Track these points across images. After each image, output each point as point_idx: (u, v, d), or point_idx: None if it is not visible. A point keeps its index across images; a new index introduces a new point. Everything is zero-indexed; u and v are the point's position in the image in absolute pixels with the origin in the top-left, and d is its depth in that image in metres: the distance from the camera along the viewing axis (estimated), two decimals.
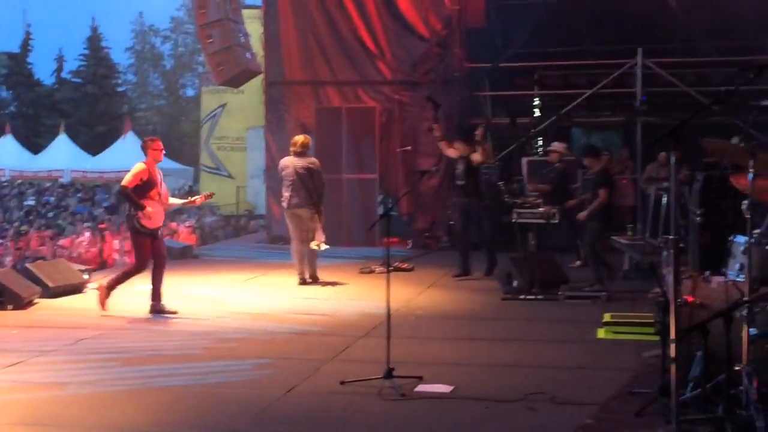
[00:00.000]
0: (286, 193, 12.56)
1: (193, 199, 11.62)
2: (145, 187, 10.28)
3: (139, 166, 10.37)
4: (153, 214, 10.25)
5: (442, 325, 9.93)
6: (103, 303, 10.47)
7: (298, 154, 12.68)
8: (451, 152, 13.44)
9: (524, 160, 17.28)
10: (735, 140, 11.21)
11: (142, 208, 10.16)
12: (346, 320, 10.25)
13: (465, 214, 13.16)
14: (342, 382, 7.26)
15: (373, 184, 17.53)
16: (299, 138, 12.92)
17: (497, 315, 10.55)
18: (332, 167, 16.46)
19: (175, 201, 11.50)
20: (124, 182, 10.34)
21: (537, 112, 19.60)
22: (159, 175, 10.49)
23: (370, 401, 6.90)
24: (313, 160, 12.92)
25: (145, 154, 10.48)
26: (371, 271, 13.52)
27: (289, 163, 12.71)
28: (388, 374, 7.24)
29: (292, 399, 7.11)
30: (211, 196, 12.08)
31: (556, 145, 14.86)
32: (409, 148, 16.02)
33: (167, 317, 10.38)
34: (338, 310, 10.82)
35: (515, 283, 11.59)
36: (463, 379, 7.53)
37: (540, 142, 20.56)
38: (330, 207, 14.55)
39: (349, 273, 13.60)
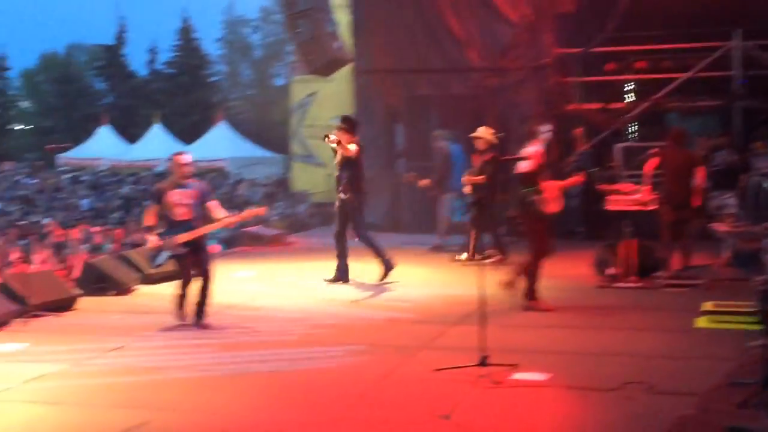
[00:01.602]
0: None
1: (570, 181, 10.86)
2: (539, 171, 9.90)
3: (535, 150, 9.90)
4: (552, 200, 9.92)
5: (535, 313, 9.82)
6: (541, 306, 9.95)
7: None
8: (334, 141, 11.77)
9: (618, 147, 17.00)
10: None
11: (542, 193, 9.80)
12: (438, 308, 10.25)
13: (341, 210, 11.88)
14: (437, 370, 7.26)
15: None
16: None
17: (592, 303, 10.38)
18: (422, 155, 16.43)
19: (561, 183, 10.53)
20: (523, 168, 9.82)
21: (630, 98, 19.25)
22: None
23: (466, 388, 6.88)
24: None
25: (536, 139, 9.99)
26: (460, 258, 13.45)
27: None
28: (483, 362, 7.21)
29: (387, 385, 7.13)
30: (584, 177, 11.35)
31: (482, 131, 13.36)
32: (501, 135, 15.88)
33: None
34: (431, 298, 10.82)
35: (611, 271, 11.42)
36: (558, 367, 7.46)
37: (634, 128, 20.21)
38: (421, 195, 14.60)
39: (440, 260, 13.58)
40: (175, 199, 9.31)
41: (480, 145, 13.26)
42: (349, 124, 11.94)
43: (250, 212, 10.11)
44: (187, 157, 9.54)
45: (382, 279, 11.83)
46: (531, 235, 10.02)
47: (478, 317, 7.50)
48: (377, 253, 11.93)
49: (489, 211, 13.08)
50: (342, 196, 11.71)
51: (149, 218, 9.51)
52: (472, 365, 7.21)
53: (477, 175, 13.08)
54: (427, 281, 12.12)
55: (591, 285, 11.29)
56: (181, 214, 9.29)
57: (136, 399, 6.91)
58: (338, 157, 11.77)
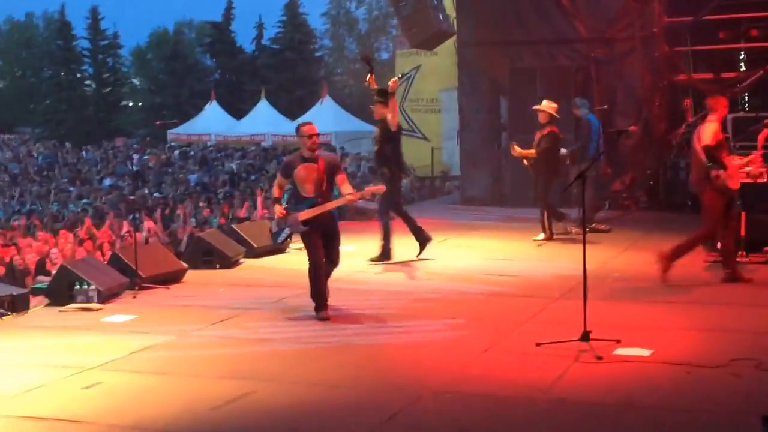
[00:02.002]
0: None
1: (749, 159, 10.78)
2: (720, 146, 9.74)
3: (715, 126, 9.73)
4: (734, 176, 9.74)
5: (639, 288, 9.65)
6: (665, 273, 9.78)
7: None
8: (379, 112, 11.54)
9: (729, 117, 16.50)
10: None
11: (725, 167, 9.61)
12: (540, 282, 10.16)
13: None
14: (538, 344, 7.20)
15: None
16: None
17: (699, 278, 10.12)
18: (526, 128, 16.23)
19: None
20: (706, 141, 9.61)
21: (743, 67, 18.65)
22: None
23: (567, 363, 6.82)
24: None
25: (715, 112, 9.85)
26: (567, 232, 13.28)
27: None
28: (585, 337, 7.13)
29: (488, 359, 7.12)
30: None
31: (545, 104, 13.02)
32: (605, 107, 15.61)
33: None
34: (532, 272, 10.73)
35: (719, 245, 11.11)
36: (662, 343, 7.32)
37: (746, 98, 19.60)
38: (523, 168, 14.44)
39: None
40: (302, 173, 8.70)
41: (541, 118, 12.98)
42: (387, 98, 11.49)
43: (370, 189, 9.58)
44: (313, 128, 8.87)
45: (372, 260, 11.55)
46: (708, 211, 9.79)
47: (581, 291, 7.40)
48: (385, 238, 11.57)
49: (547, 186, 12.77)
50: (386, 172, 11.38)
51: (276, 190, 9.17)
52: (574, 340, 7.13)
53: (531, 149, 12.90)
54: (530, 255, 12.03)
55: (699, 259, 11.01)
56: (307, 189, 8.71)
57: (241, 370, 7.04)
58: (377, 132, 11.53)
